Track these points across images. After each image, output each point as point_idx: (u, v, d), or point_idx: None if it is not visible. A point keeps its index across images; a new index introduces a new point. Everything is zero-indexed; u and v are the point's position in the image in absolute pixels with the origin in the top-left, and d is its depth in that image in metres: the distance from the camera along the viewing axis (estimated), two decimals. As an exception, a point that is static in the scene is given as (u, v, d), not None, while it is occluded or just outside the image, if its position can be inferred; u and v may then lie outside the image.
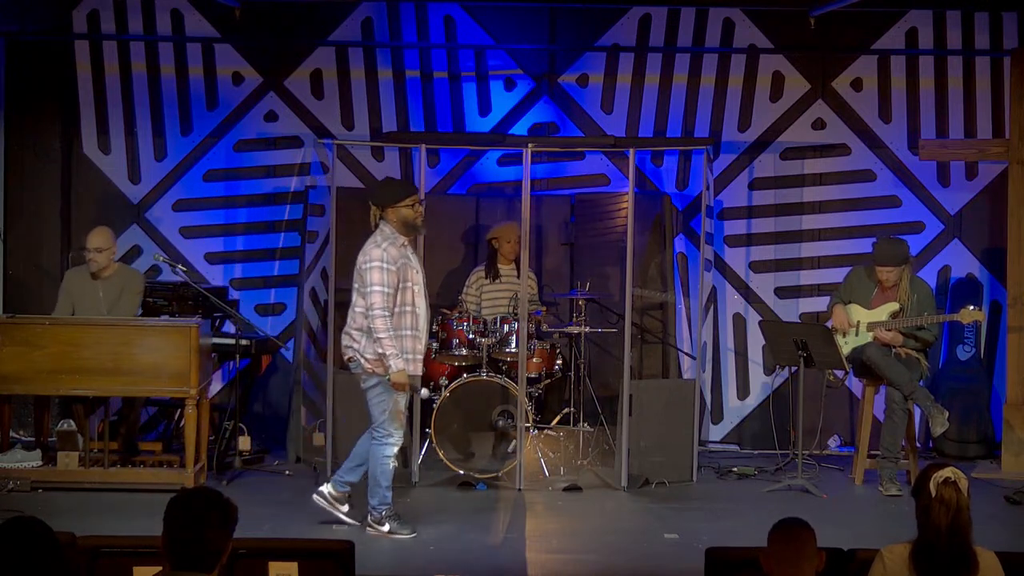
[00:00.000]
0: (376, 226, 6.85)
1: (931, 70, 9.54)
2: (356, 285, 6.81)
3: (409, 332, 6.76)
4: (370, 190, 6.95)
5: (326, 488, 6.95)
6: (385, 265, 6.67)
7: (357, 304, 6.80)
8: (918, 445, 8.52)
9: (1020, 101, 8.75)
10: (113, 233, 8.21)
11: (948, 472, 3.89)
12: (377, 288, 6.65)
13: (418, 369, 6.86)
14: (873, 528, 6.95)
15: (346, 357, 6.90)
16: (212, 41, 9.56)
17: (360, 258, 6.78)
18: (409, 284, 6.76)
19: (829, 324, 8.31)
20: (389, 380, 6.65)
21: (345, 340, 6.86)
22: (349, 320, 6.86)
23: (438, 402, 8.03)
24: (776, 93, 9.57)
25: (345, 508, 6.95)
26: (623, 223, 8.52)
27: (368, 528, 6.83)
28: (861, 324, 8.24)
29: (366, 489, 6.85)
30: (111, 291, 8.04)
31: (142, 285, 8.25)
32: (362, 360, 6.74)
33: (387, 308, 6.65)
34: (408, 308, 6.76)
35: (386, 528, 6.78)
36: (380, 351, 6.63)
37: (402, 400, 6.78)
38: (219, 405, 8.73)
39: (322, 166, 9.45)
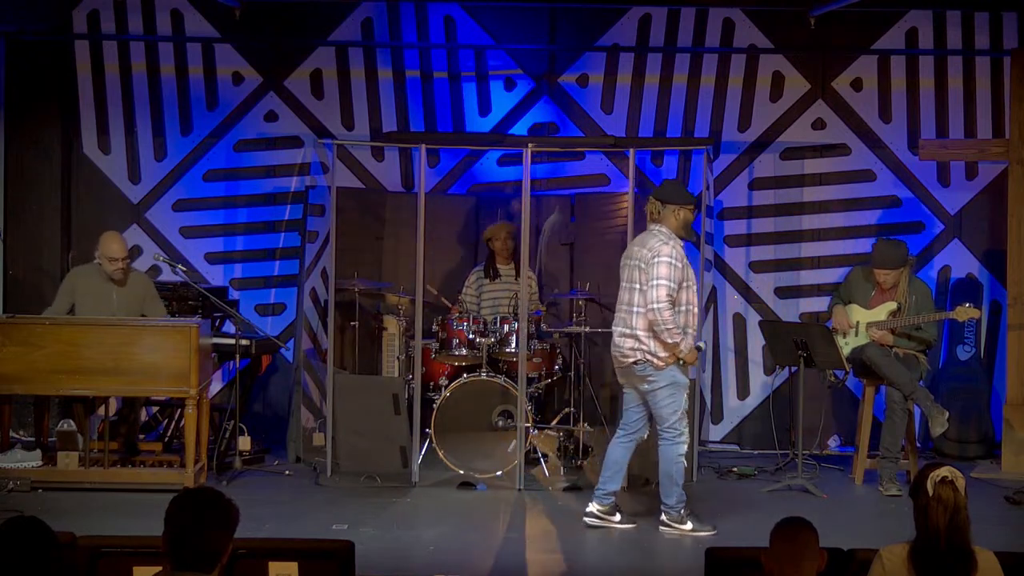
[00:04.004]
0: (652, 222, 6.94)
1: (931, 70, 9.54)
2: (637, 285, 6.85)
3: (689, 331, 6.88)
4: (657, 187, 7.20)
5: (593, 507, 7.02)
6: (673, 261, 6.78)
7: (637, 304, 6.84)
8: (918, 445, 8.52)
9: (1020, 101, 8.75)
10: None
11: (945, 471, 3.89)
12: (664, 282, 6.73)
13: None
14: (873, 528, 6.95)
15: (630, 361, 6.91)
16: (212, 41, 9.56)
17: (645, 254, 6.83)
18: (689, 284, 6.88)
19: (829, 324, 8.31)
20: (683, 362, 6.81)
21: (628, 343, 6.89)
22: (629, 322, 6.89)
23: (438, 402, 8.04)
24: (776, 93, 9.57)
25: (616, 518, 7.04)
26: (623, 223, 8.52)
27: (664, 528, 6.90)
28: (861, 324, 8.24)
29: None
30: (125, 296, 7.99)
31: (153, 283, 8.28)
32: (654, 360, 6.81)
33: (670, 302, 6.73)
34: (688, 307, 6.88)
35: (688, 526, 6.87)
36: (669, 341, 6.73)
37: (687, 400, 6.91)
38: (219, 405, 8.72)
39: (322, 166, 9.45)
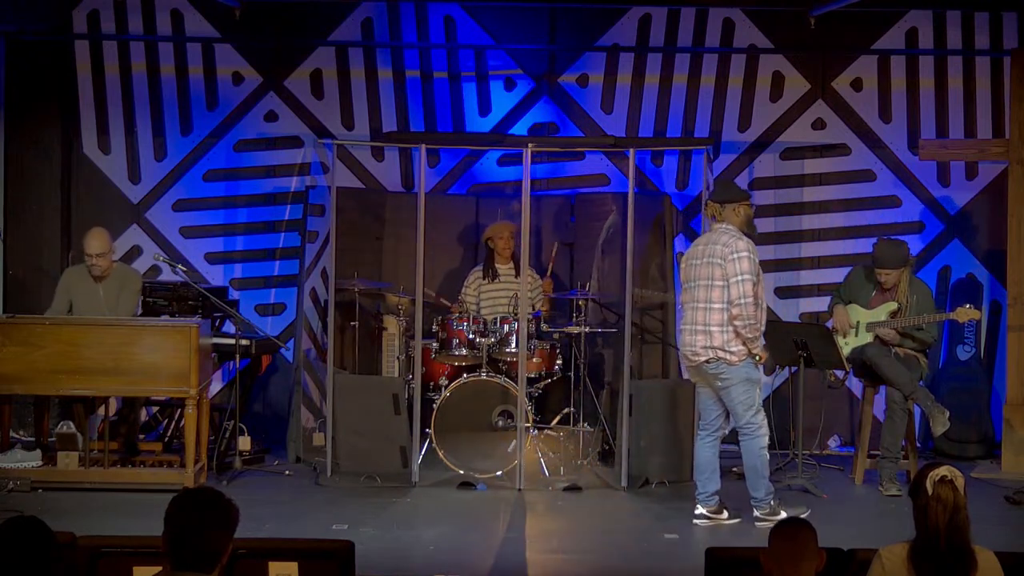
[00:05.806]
0: (716, 223, 6.97)
1: (931, 70, 9.54)
2: (707, 281, 6.85)
3: (759, 326, 6.92)
4: (713, 190, 7.21)
5: (700, 510, 7.07)
6: (752, 255, 6.81)
7: (713, 300, 6.84)
8: (918, 445, 8.52)
9: (1020, 101, 8.75)
10: (110, 234, 8.20)
11: (944, 471, 3.88)
12: (747, 277, 6.76)
13: None
14: (873, 528, 6.95)
15: (702, 359, 6.92)
16: (212, 41, 9.56)
17: (720, 250, 6.83)
18: (760, 279, 6.90)
19: (829, 324, 8.31)
20: (759, 358, 6.84)
21: (701, 341, 6.89)
22: (701, 319, 6.89)
23: (438, 402, 8.03)
24: (776, 93, 9.57)
25: (725, 515, 7.11)
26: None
27: (759, 523, 6.92)
28: (861, 324, 8.24)
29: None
30: (111, 291, 8.05)
31: (140, 284, 8.28)
32: (727, 355, 6.82)
33: (755, 296, 6.77)
34: (759, 302, 6.90)
35: (784, 516, 6.78)
36: (749, 335, 6.76)
37: (760, 393, 6.94)
38: (219, 405, 8.73)
39: (322, 166, 9.46)
